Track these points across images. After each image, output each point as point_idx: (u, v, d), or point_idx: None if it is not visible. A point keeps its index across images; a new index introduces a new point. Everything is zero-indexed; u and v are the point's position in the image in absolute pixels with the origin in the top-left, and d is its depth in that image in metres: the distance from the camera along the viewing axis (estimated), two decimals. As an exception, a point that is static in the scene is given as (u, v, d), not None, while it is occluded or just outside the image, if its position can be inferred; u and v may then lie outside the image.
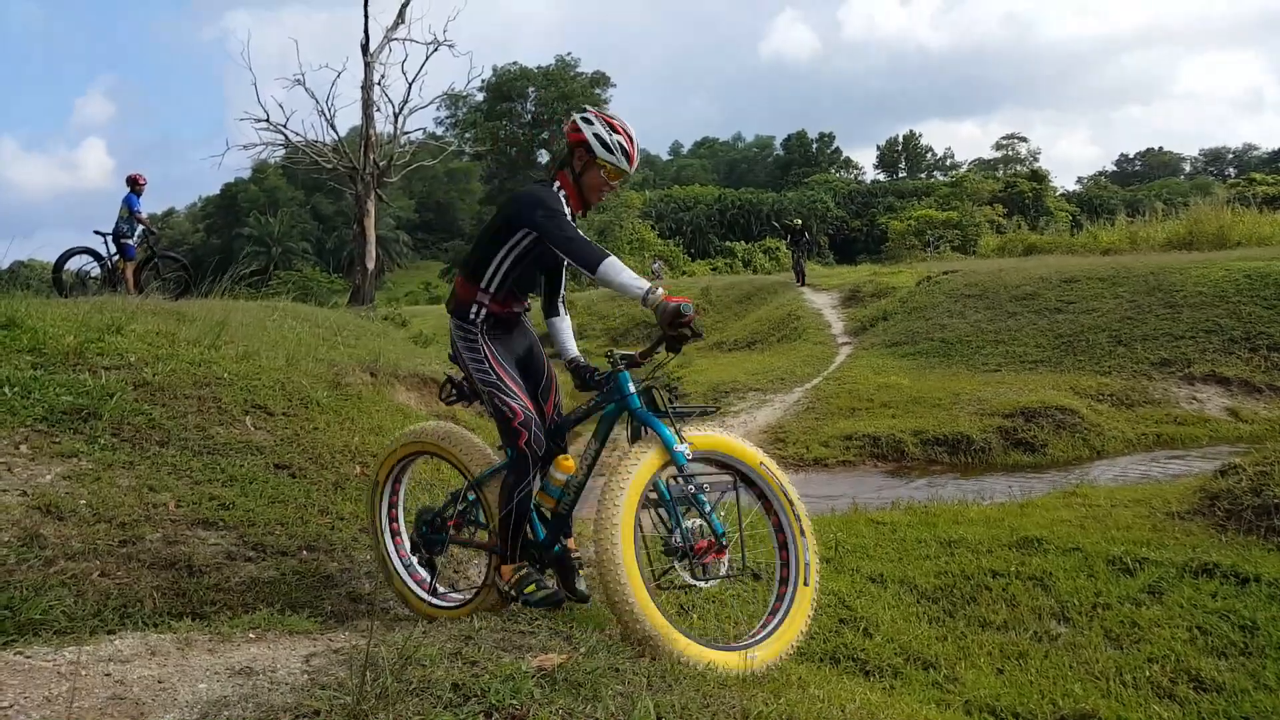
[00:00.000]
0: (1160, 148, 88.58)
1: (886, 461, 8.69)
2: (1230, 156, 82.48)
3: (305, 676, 2.02)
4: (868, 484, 7.88)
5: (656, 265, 39.03)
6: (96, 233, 10.20)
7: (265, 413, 4.93)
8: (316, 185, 51.66)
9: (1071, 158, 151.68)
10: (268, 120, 16.93)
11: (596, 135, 2.82)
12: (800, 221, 24.21)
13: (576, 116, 2.89)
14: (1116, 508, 5.38)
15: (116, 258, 10.22)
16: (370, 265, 17.14)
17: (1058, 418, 8.94)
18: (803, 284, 20.26)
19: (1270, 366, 9.62)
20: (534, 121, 53.87)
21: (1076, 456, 8.41)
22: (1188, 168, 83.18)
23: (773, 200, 57.52)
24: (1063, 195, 56.71)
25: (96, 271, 10.34)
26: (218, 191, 63.59)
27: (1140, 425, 8.99)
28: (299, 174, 48.97)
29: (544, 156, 54.23)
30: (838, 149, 77.06)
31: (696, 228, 56.19)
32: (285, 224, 56.18)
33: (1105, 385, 9.77)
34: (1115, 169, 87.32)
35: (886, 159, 75.41)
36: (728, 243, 52.31)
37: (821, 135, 76.78)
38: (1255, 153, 78.52)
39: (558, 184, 2.90)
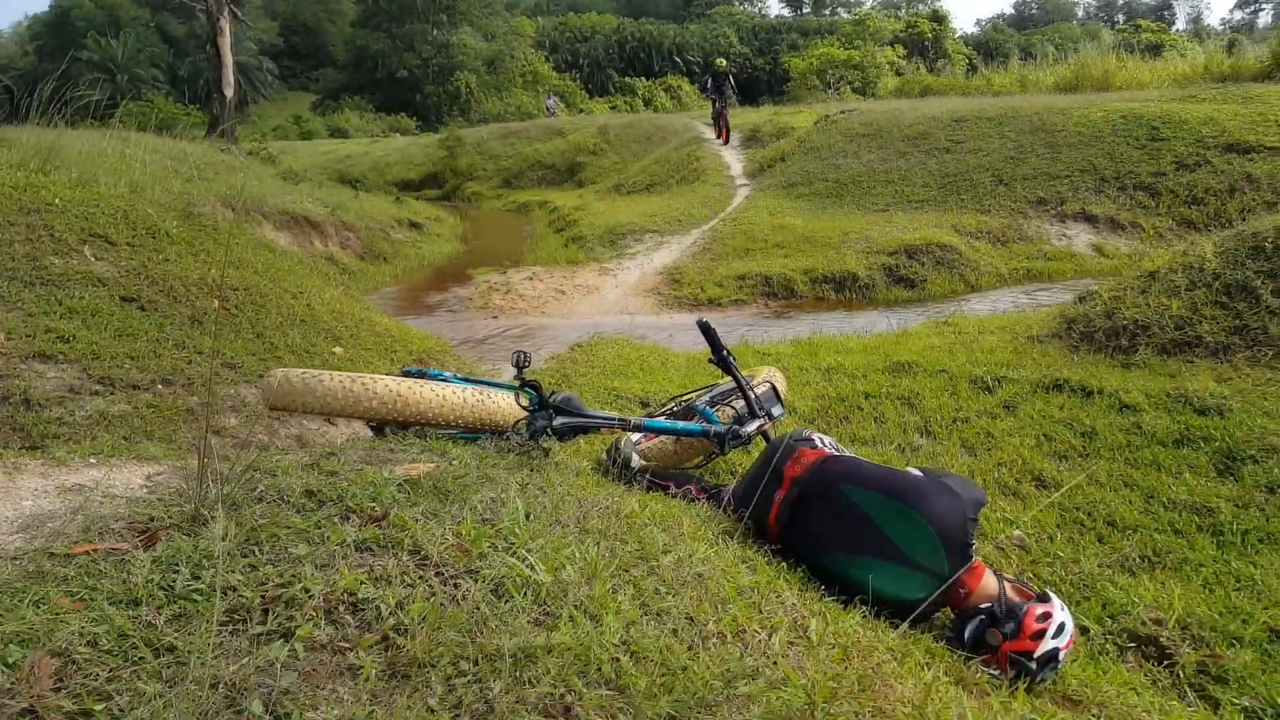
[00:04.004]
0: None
1: (777, 300, 8.87)
2: (1120, 3, 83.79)
3: (144, 491, 1.87)
4: (758, 321, 8.05)
5: (551, 101, 36.74)
6: None
7: (106, 242, 4.46)
8: (162, 2, 45.34)
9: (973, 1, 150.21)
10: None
11: None
12: (725, 62, 19.36)
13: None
14: (983, 334, 5.69)
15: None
16: (228, 93, 15.42)
17: (938, 255, 9.28)
18: (726, 141, 17.41)
19: (1135, 205, 10.17)
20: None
21: (953, 291, 8.82)
22: (1080, 13, 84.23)
23: (674, 33, 54.79)
24: (961, 38, 56.64)
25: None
26: (47, 8, 55.18)
27: (1013, 261, 9.46)
28: (139, -13, 42.60)
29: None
30: (743, -20, 73.35)
31: (594, 61, 52.99)
32: (130, 47, 49.53)
33: (985, 223, 10.15)
34: (1013, 13, 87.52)
35: (792, -7, 72.62)
36: (627, 79, 49.88)
37: (726, -35, 72.58)
38: (1143, 0, 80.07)
39: None
